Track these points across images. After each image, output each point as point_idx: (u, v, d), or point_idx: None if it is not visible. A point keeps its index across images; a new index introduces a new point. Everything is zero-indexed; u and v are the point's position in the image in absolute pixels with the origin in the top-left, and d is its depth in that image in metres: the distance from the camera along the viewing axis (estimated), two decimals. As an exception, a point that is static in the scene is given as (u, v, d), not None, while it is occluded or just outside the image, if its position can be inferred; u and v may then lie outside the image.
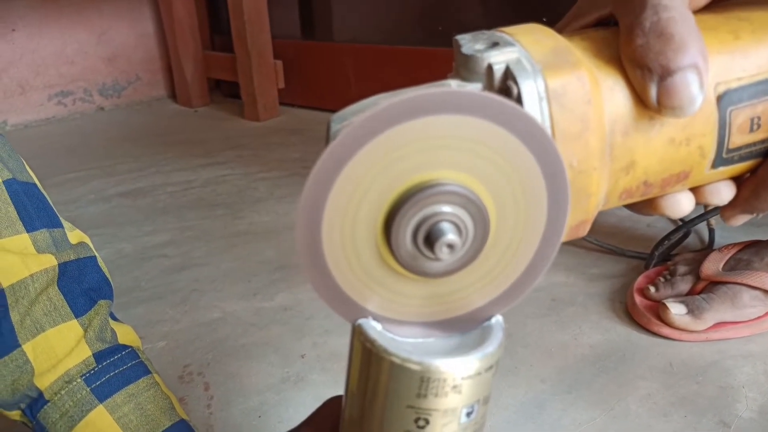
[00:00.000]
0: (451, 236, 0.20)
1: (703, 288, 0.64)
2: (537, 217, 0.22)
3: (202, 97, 1.79)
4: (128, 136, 1.55)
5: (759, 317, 0.62)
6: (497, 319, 0.24)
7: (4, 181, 0.40)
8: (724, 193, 0.26)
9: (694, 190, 0.26)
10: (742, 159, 0.25)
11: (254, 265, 0.83)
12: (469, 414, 0.23)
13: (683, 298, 0.63)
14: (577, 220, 0.23)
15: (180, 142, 1.46)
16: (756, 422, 0.52)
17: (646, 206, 0.26)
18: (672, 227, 0.78)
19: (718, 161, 0.24)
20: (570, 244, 0.82)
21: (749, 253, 0.65)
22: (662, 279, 0.68)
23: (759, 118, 0.24)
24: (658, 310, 0.63)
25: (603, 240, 0.80)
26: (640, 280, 0.70)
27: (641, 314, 0.64)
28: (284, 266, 0.83)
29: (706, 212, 0.76)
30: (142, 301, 0.76)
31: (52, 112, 1.70)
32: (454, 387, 0.22)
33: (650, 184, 0.24)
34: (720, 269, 0.65)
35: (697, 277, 0.66)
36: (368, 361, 0.23)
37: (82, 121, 1.71)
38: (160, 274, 0.83)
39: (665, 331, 0.62)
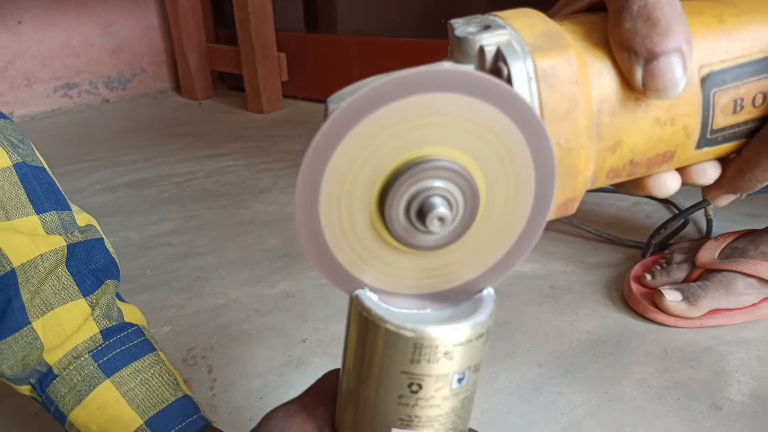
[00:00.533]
0: (442, 210, 0.21)
1: (699, 276, 0.65)
2: (525, 193, 0.23)
3: (206, 90, 1.80)
4: (133, 127, 1.57)
5: (753, 304, 0.63)
6: (489, 291, 0.26)
7: (14, 165, 0.41)
8: (709, 173, 0.26)
9: (680, 170, 0.27)
10: (726, 140, 0.26)
11: (257, 254, 0.85)
12: (460, 380, 0.25)
13: (679, 285, 0.64)
14: (565, 197, 0.24)
15: (184, 134, 1.47)
16: (747, 405, 0.53)
17: (633, 186, 0.27)
18: (669, 217, 0.79)
19: (703, 142, 0.25)
20: (570, 234, 0.83)
21: (745, 241, 0.66)
22: (659, 267, 0.69)
23: (742, 100, 0.25)
24: (654, 297, 0.64)
25: (602, 230, 0.81)
26: (637, 268, 0.71)
27: (637, 301, 0.65)
28: (287, 255, 0.84)
29: (702, 201, 0.77)
30: (148, 287, 0.78)
31: (58, 104, 1.72)
32: (446, 353, 0.23)
33: (637, 163, 0.25)
34: (715, 257, 0.66)
35: (693, 265, 0.67)
36: (365, 329, 0.24)
37: (87, 113, 1.73)
38: (165, 261, 0.84)
39: (661, 317, 0.63)
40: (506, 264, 0.25)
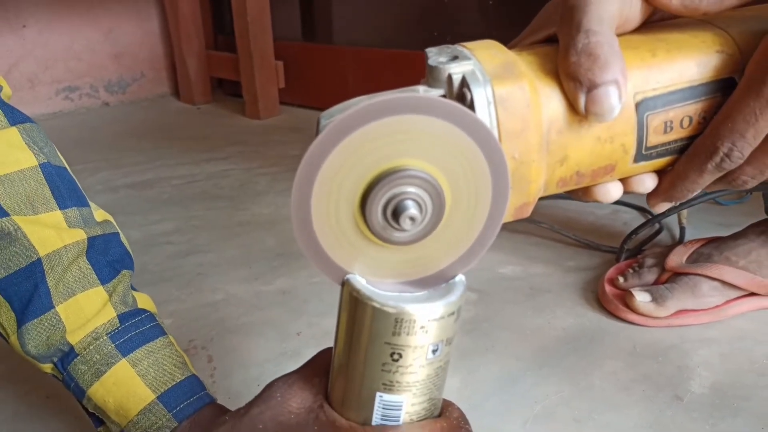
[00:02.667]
0: (413, 211, 0.26)
1: (668, 279, 0.70)
2: (484, 198, 0.27)
3: (205, 95, 1.84)
4: (133, 131, 1.61)
5: (717, 306, 0.68)
6: (460, 277, 0.30)
7: (40, 165, 0.46)
8: (647, 183, 0.31)
9: (622, 180, 0.31)
10: (659, 155, 0.30)
11: (255, 253, 0.89)
12: (434, 351, 0.29)
13: (649, 287, 0.69)
14: (520, 201, 0.29)
15: (183, 138, 1.52)
16: (707, 397, 0.57)
17: (582, 193, 0.31)
18: (642, 223, 0.84)
19: (639, 157, 0.30)
20: (550, 239, 0.88)
21: (710, 247, 0.71)
22: (631, 270, 0.74)
23: (672, 122, 0.29)
24: (626, 298, 0.69)
25: (581, 236, 0.86)
26: (611, 271, 0.75)
27: (610, 301, 0.70)
28: (283, 254, 0.88)
29: (671, 208, 0.81)
30: (150, 283, 0.82)
31: (59, 107, 1.76)
32: (422, 327, 0.28)
33: (582, 174, 0.30)
34: (683, 262, 0.71)
35: (663, 269, 0.72)
36: (355, 306, 0.29)
37: (87, 116, 1.77)
38: (167, 259, 0.89)
39: (631, 317, 0.68)
40: (471, 255, 0.29)
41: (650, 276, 0.72)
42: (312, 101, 1.70)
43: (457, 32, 1.36)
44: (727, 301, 0.68)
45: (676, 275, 0.70)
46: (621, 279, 0.72)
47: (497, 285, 0.77)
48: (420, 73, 0.29)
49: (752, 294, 0.68)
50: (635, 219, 0.94)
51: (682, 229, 0.86)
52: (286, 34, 1.70)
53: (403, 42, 1.46)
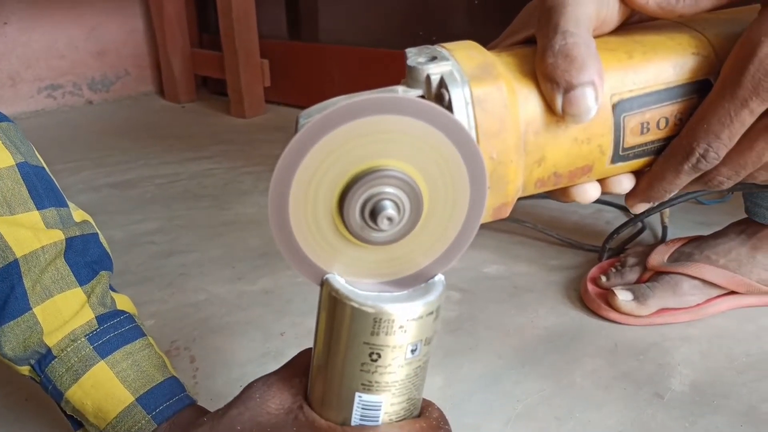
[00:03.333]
0: (390, 211, 0.26)
1: (649, 277, 0.71)
2: (462, 198, 0.27)
3: (189, 94, 1.83)
4: (116, 129, 1.59)
5: (698, 304, 0.69)
6: (439, 277, 0.30)
7: (17, 164, 0.45)
8: (624, 183, 0.31)
9: (600, 181, 0.31)
10: (636, 156, 0.30)
11: (239, 252, 0.89)
12: (413, 351, 0.29)
13: (630, 286, 0.70)
14: (499, 202, 0.29)
15: (167, 137, 1.51)
16: (687, 394, 0.58)
17: (561, 194, 0.32)
18: (624, 222, 0.85)
19: (616, 158, 0.30)
20: (534, 238, 0.88)
21: (691, 246, 0.72)
22: (613, 269, 0.74)
23: (648, 123, 0.29)
24: (608, 297, 0.69)
25: (564, 235, 0.86)
26: (594, 270, 0.76)
27: (592, 300, 0.71)
28: (267, 253, 0.88)
29: (654, 207, 0.82)
30: (132, 283, 0.81)
31: (42, 105, 1.74)
32: (401, 327, 0.28)
33: (560, 175, 0.30)
34: (665, 261, 0.71)
35: (645, 268, 0.72)
36: (333, 306, 0.29)
37: (71, 114, 1.75)
38: (149, 259, 0.88)
39: (613, 315, 0.68)
40: (450, 255, 0.29)
41: (632, 275, 0.72)
42: (298, 100, 1.70)
43: (442, 32, 1.37)
44: (708, 300, 0.69)
45: (658, 274, 0.70)
46: (603, 278, 0.73)
47: (481, 284, 0.78)
48: (404, 72, 0.29)
49: (732, 292, 0.69)
50: (618, 218, 0.95)
51: (664, 228, 0.86)
52: (272, 32, 1.69)
53: (389, 41, 1.46)
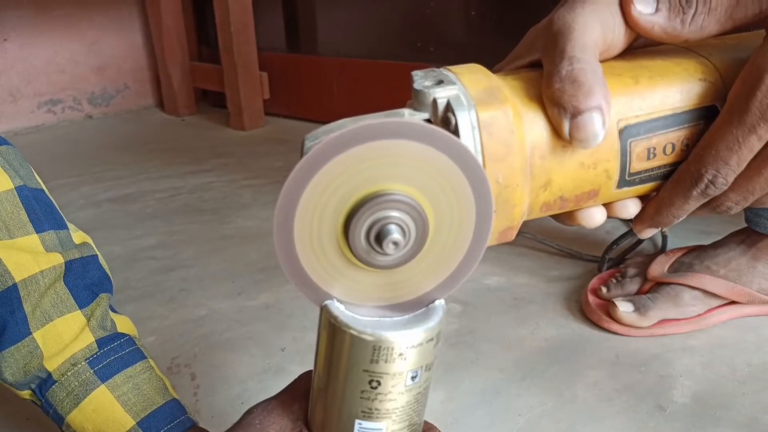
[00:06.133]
0: (396, 236, 0.26)
1: (650, 288, 0.71)
2: (468, 223, 0.27)
3: (189, 107, 1.84)
4: (116, 143, 1.60)
5: (699, 315, 0.69)
6: (440, 301, 0.30)
7: (16, 188, 0.45)
8: (631, 208, 0.31)
9: (606, 205, 0.31)
10: (643, 181, 0.30)
11: (239, 267, 0.89)
12: (413, 378, 0.29)
13: (631, 297, 0.70)
14: (504, 226, 0.29)
15: (167, 150, 1.51)
16: (689, 407, 0.58)
17: (566, 218, 0.31)
18: (624, 232, 0.85)
19: (623, 182, 0.30)
20: (534, 249, 0.88)
21: (692, 256, 0.72)
22: (614, 280, 0.74)
23: (654, 149, 0.29)
24: (609, 308, 0.69)
25: (564, 245, 0.86)
26: (594, 281, 0.76)
27: (593, 311, 0.70)
28: (267, 268, 0.88)
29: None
30: (133, 299, 0.81)
31: (42, 120, 1.74)
32: (401, 354, 0.28)
33: (566, 199, 0.30)
34: (665, 271, 0.71)
35: (645, 279, 0.72)
36: (333, 334, 0.29)
37: (71, 129, 1.76)
38: (150, 274, 0.88)
39: (614, 327, 0.68)
40: (453, 281, 0.29)
41: (633, 286, 0.72)
42: (297, 112, 1.70)
43: (440, 43, 1.37)
44: (709, 310, 0.69)
45: (658, 285, 0.70)
46: (604, 289, 0.73)
47: (481, 296, 0.78)
48: (403, 84, 0.28)
49: (733, 302, 0.69)
50: (618, 228, 0.95)
51: (664, 238, 0.86)
52: (271, 45, 1.70)
53: (387, 53, 1.47)
